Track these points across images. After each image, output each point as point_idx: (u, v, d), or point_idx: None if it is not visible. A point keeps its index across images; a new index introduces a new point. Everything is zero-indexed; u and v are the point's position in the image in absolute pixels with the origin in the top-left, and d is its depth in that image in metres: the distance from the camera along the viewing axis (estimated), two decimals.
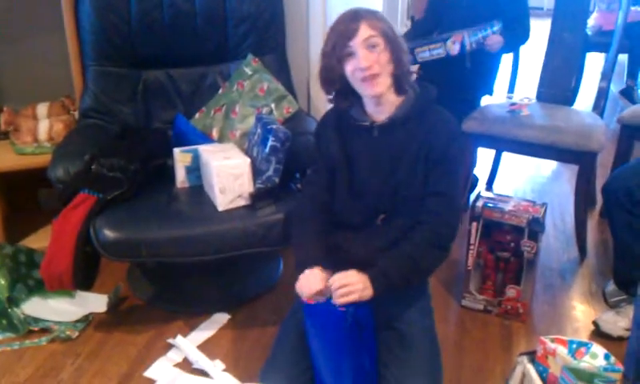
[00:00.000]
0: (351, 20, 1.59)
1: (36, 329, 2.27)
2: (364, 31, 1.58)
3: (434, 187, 1.66)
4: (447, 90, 2.96)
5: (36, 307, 2.36)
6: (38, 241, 2.69)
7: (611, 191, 2.24)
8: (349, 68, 1.62)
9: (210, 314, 2.36)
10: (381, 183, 1.72)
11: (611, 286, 2.42)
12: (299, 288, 1.63)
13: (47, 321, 2.30)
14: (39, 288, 2.40)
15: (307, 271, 1.64)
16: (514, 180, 3.63)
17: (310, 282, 1.61)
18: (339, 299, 1.52)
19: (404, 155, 1.68)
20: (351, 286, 1.54)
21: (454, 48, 2.62)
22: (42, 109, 2.70)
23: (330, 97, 1.77)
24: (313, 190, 1.84)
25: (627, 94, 4.59)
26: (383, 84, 1.63)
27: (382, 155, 1.71)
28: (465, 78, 2.92)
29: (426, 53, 2.73)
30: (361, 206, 1.74)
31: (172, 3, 2.49)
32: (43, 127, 2.62)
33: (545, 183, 3.64)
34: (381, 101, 1.68)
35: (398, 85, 1.67)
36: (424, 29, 2.97)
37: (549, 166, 3.84)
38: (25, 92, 2.85)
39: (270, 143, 2.07)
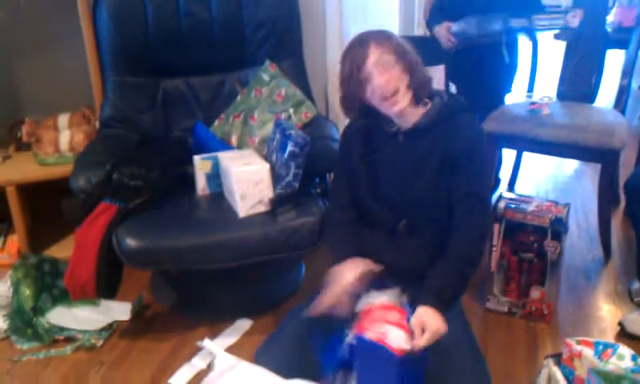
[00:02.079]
0: (360, 45, 1.61)
1: (61, 338, 2.29)
2: (374, 53, 1.59)
3: (464, 188, 1.66)
4: (479, 85, 2.96)
5: (61, 316, 2.38)
6: (62, 250, 2.72)
7: (633, 188, 2.21)
8: (368, 92, 1.63)
9: (233, 320, 2.36)
10: (403, 189, 1.72)
11: (637, 285, 2.39)
12: (330, 277, 1.65)
13: (72, 330, 2.32)
14: (64, 297, 2.42)
15: (343, 263, 1.67)
16: (536, 180, 3.59)
17: (345, 270, 1.64)
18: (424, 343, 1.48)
19: (428, 161, 1.69)
20: (436, 330, 1.49)
21: (573, 21, 2.55)
22: (63, 119, 2.73)
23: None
24: (337, 197, 1.87)
25: None
26: (404, 99, 1.63)
27: (406, 162, 1.72)
28: (499, 73, 2.92)
29: (546, 20, 2.62)
30: (383, 212, 1.75)
31: (189, 12, 2.51)
32: (64, 138, 2.65)
33: (567, 182, 3.60)
34: (404, 113, 1.68)
35: (417, 95, 1.67)
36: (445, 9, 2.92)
37: (571, 165, 3.80)
38: (45, 103, 2.89)
39: (288, 148, 2.07)
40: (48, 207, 3.02)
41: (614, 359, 1.46)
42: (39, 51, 2.89)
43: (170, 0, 2.50)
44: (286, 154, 2.08)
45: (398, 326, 1.47)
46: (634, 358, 1.46)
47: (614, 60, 4.53)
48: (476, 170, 1.69)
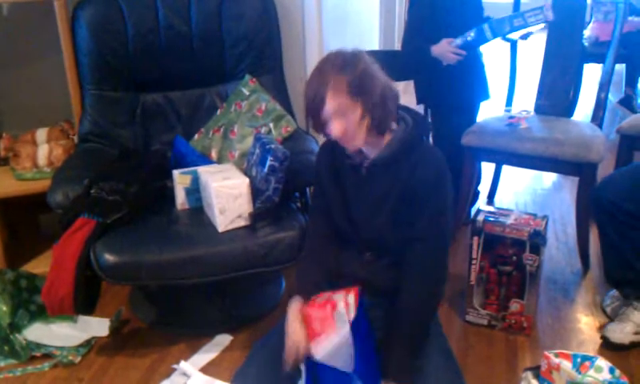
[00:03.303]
0: (318, 86, 1.52)
1: (38, 355, 2.26)
2: (330, 103, 1.51)
3: (421, 232, 1.63)
4: (455, 99, 2.97)
5: (38, 333, 2.35)
6: (39, 266, 2.68)
7: (598, 199, 2.26)
8: (327, 129, 1.59)
9: (212, 335, 2.35)
10: (366, 222, 1.71)
11: (608, 299, 2.44)
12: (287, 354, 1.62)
13: (49, 346, 2.29)
14: (41, 313, 2.40)
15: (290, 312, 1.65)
16: (515, 192, 3.62)
17: (291, 320, 1.63)
18: None
19: (388, 198, 1.65)
20: None
21: (549, 15, 2.50)
22: (42, 134, 2.70)
23: None
24: (316, 222, 1.85)
25: (626, 103, 4.59)
26: (359, 140, 1.58)
27: (368, 195, 1.68)
28: (475, 83, 2.98)
29: (523, 20, 2.59)
30: (353, 235, 1.74)
31: (168, 26, 2.50)
32: (42, 152, 2.63)
33: (546, 195, 3.63)
34: (365, 146, 1.65)
35: (378, 129, 1.60)
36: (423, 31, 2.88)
37: (549, 177, 3.83)
38: (24, 118, 2.86)
39: (268, 163, 2.07)
40: (25, 222, 2.98)
41: (591, 372, 1.47)
42: (18, 65, 2.87)
43: (150, 14, 2.50)
44: (265, 169, 2.07)
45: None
46: (611, 371, 1.47)
47: (591, 74, 4.61)
48: (435, 209, 1.64)
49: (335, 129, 1.54)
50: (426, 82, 3.01)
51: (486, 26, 2.62)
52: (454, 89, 2.87)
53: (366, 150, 1.67)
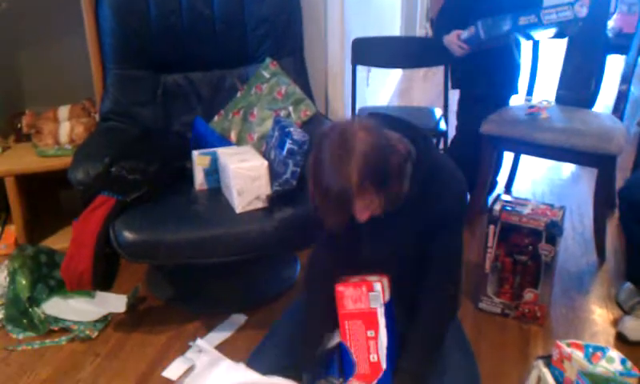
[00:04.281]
0: (342, 183, 1.40)
1: (56, 328, 2.31)
2: (358, 202, 1.44)
3: (439, 251, 1.66)
4: (486, 88, 2.94)
5: (56, 307, 2.39)
6: (59, 242, 2.73)
7: (627, 197, 2.24)
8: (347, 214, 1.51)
9: (227, 315, 2.38)
10: (385, 258, 1.73)
11: (623, 292, 2.42)
12: None
13: (67, 321, 2.33)
14: (60, 288, 2.44)
15: None
16: (533, 182, 3.61)
17: None
18: None
19: (409, 231, 1.65)
20: None
21: (581, 11, 2.44)
22: (63, 111, 2.74)
23: None
24: (320, 258, 1.85)
25: None
26: (381, 213, 1.53)
27: (381, 233, 1.67)
28: (506, 75, 2.94)
29: (553, 15, 2.51)
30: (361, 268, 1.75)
31: (191, 7, 2.51)
32: (64, 130, 2.66)
33: (563, 186, 3.61)
34: None
35: (402, 194, 1.54)
36: (452, 17, 2.86)
37: (567, 168, 3.81)
38: (46, 95, 2.90)
39: (287, 146, 2.08)
40: (46, 199, 3.03)
41: (603, 362, 1.47)
42: (41, 43, 2.90)
43: None
44: (284, 152, 2.09)
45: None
46: (623, 362, 1.48)
47: (614, 65, 4.56)
48: (455, 230, 1.68)
49: (361, 216, 1.50)
50: (459, 68, 3.01)
51: (479, 24, 2.58)
52: (486, 78, 2.87)
53: None
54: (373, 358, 1.65)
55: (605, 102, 4.19)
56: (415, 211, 1.60)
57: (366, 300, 1.64)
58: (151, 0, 2.49)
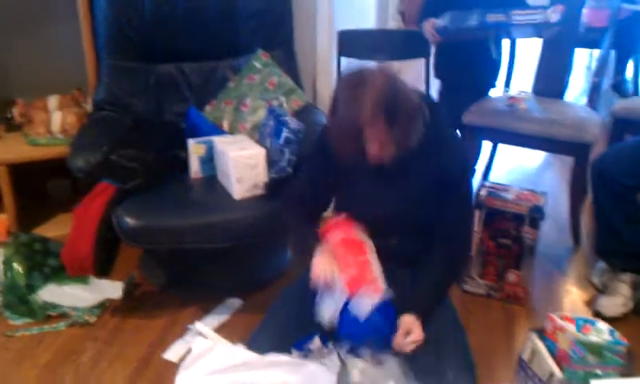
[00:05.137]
0: (355, 114, 1.53)
1: (54, 314, 2.33)
2: (369, 135, 1.55)
3: (451, 215, 1.73)
4: (465, 80, 3.03)
5: (52, 294, 2.41)
6: (49, 230, 2.76)
7: (599, 170, 2.36)
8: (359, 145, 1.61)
9: (222, 299, 2.43)
10: (392, 210, 1.77)
11: (596, 271, 2.56)
12: (316, 276, 1.68)
13: (64, 306, 2.36)
14: (55, 275, 2.47)
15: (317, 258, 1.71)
16: (507, 171, 3.73)
17: (325, 268, 1.68)
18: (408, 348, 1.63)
19: (415, 182, 1.73)
20: (419, 338, 1.63)
21: (552, 17, 2.49)
22: (53, 101, 2.76)
23: None
24: (303, 188, 1.92)
25: (618, 88, 4.73)
26: (391, 155, 1.62)
27: (389, 186, 1.75)
28: (485, 68, 3.02)
29: (523, 16, 2.56)
30: (371, 225, 1.78)
31: None
32: (56, 119, 2.69)
33: (535, 174, 3.76)
34: None
35: (412, 139, 1.63)
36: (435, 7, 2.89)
37: (539, 156, 3.95)
38: (34, 84, 2.90)
39: (284, 135, 2.15)
40: (35, 188, 3.04)
41: (593, 333, 1.59)
42: (30, 32, 2.90)
43: None
44: (281, 140, 2.16)
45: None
46: (611, 333, 1.59)
47: (580, 59, 4.72)
48: (464, 195, 1.77)
49: (373, 150, 1.58)
50: (440, 58, 3.10)
51: (448, 14, 2.65)
52: (464, 70, 2.96)
53: None
54: (369, 274, 1.66)
55: (572, 93, 4.36)
56: (424, 169, 1.70)
57: (353, 231, 1.69)
58: None
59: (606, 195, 2.32)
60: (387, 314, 1.62)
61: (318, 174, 1.87)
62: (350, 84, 1.57)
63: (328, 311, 1.66)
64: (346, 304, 1.62)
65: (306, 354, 1.76)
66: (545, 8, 2.52)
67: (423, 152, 1.67)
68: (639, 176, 2.22)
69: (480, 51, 2.89)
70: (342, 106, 1.57)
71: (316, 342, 1.75)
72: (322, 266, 1.67)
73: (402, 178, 1.74)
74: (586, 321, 1.64)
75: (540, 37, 2.84)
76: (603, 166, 2.33)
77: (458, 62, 3.00)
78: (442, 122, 1.76)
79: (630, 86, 4.74)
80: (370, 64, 1.67)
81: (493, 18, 2.58)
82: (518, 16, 2.55)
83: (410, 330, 1.62)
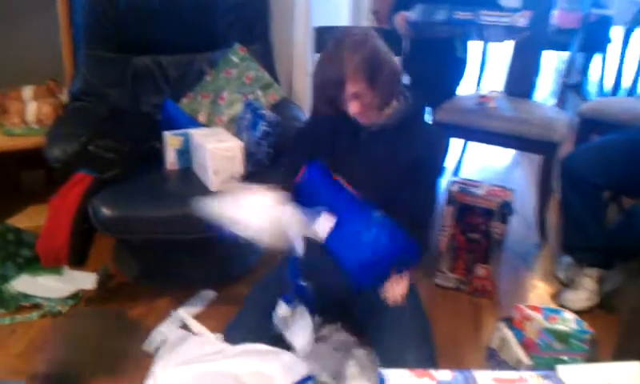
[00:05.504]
0: (337, 70, 1.65)
1: (27, 305, 2.33)
2: (350, 88, 1.66)
3: (415, 195, 1.82)
4: (432, 77, 3.08)
5: (25, 284, 2.40)
6: (22, 221, 2.73)
7: (569, 169, 2.43)
8: (341, 102, 1.72)
9: (195, 291, 2.44)
10: (362, 183, 1.84)
11: (561, 266, 2.64)
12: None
13: (37, 297, 2.35)
14: (28, 266, 2.46)
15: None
16: (477, 168, 3.81)
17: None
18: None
19: (389, 162, 1.81)
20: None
21: (520, 21, 2.54)
22: (28, 92, 2.74)
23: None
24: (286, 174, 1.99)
25: (578, 88, 4.87)
26: (372, 116, 1.75)
27: (367, 158, 1.82)
28: (449, 67, 3.07)
29: (490, 17, 2.60)
30: None
31: None
32: (31, 109, 2.67)
33: (504, 172, 3.84)
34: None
35: (384, 105, 1.77)
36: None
37: (508, 154, 4.04)
38: (9, 75, 2.88)
39: (261, 128, 2.18)
40: (8, 179, 3.02)
41: (560, 322, 1.65)
42: (6, 22, 2.87)
43: None
44: (258, 133, 2.19)
45: None
46: (577, 322, 1.66)
47: (548, 60, 4.83)
48: (433, 177, 1.85)
49: (353, 108, 1.69)
50: (411, 54, 3.14)
51: (418, 7, 2.68)
52: (433, 67, 3.01)
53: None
54: None
55: (540, 93, 4.45)
56: (396, 143, 1.79)
57: None
58: None
59: (574, 193, 2.39)
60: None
61: (299, 160, 1.92)
62: (335, 43, 1.68)
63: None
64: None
65: (282, 323, 1.81)
66: (513, 11, 2.58)
67: (402, 132, 1.77)
68: (608, 175, 2.29)
69: (446, 50, 2.93)
70: (325, 63, 1.68)
71: (282, 308, 1.79)
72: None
73: (380, 159, 1.81)
74: (552, 311, 1.70)
75: (508, 41, 2.88)
76: (573, 165, 2.41)
77: (426, 59, 3.04)
78: (421, 107, 1.87)
79: (592, 88, 4.87)
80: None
81: (461, 15, 2.62)
82: (486, 16, 2.59)
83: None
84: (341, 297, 1.82)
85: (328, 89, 1.69)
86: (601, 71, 4.91)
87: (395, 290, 1.64)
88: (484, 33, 2.75)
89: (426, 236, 1.90)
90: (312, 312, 1.82)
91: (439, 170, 1.88)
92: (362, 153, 1.82)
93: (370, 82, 1.66)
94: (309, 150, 1.92)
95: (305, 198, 1.77)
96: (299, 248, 1.75)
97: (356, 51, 1.64)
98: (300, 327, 1.79)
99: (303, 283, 1.80)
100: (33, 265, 2.44)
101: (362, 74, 1.65)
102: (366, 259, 1.66)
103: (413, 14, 2.74)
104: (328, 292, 1.78)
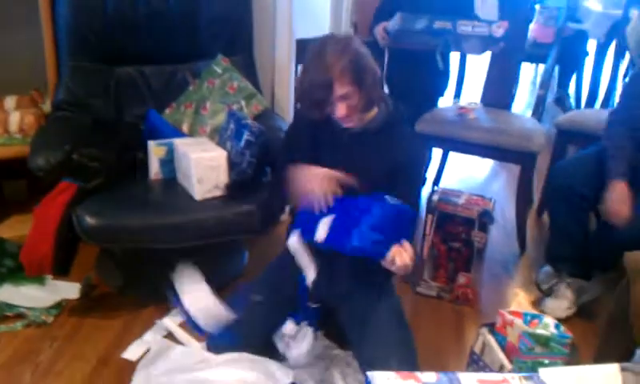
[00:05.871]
0: (325, 73, 1.69)
1: (10, 315, 2.31)
2: (338, 90, 1.70)
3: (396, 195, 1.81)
4: (414, 89, 3.11)
5: (9, 294, 2.39)
6: (4, 231, 2.72)
7: (556, 185, 2.49)
8: (326, 106, 1.76)
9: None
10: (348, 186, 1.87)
11: (542, 275, 2.66)
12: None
13: (21, 307, 2.34)
14: (11, 276, 2.45)
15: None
16: (457, 179, 3.86)
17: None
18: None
19: (370, 165, 1.84)
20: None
21: (497, 32, 2.58)
22: (11, 101, 2.74)
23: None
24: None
25: (560, 102, 4.96)
26: (355, 119, 1.80)
27: (346, 162, 1.83)
28: (431, 80, 3.10)
29: (468, 28, 2.64)
30: None
31: (147, 2, 2.59)
32: (14, 119, 2.67)
33: (483, 182, 3.89)
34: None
35: (367, 108, 1.81)
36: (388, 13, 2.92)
37: (487, 165, 4.10)
38: None
39: (245, 137, 2.20)
40: None
41: (540, 327, 1.69)
42: None
43: None
44: (242, 143, 2.21)
45: None
46: (557, 327, 1.70)
47: (525, 73, 4.92)
48: (410, 185, 1.88)
49: (341, 110, 1.73)
50: (392, 66, 3.18)
51: (397, 15, 2.71)
52: (415, 78, 3.05)
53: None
54: None
55: (517, 105, 4.53)
56: (377, 146, 1.83)
57: None
58: None
59: (561, 204, 2.44)
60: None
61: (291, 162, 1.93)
62: (319, 48, 1.73)
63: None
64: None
65: (285, 340, 1.86)
66: (490, 23, 2.62)
67: (383, 137, 1.82)
68: (595, 186, 2.34)
69: (428, 62, 2.94)
70: (312, 67, 1.72)
71: (289, 326, 1.85)
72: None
73: (361, 161, 1.84)
74: (533, 316, 1.74)
75: (484, 52, 2.92)
76: (561, 176, 2.47)
77: (407, 71, 3.08)
78: (402, 113, 1.90)
79: (572, 101, 4.96)
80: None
81: (440, 24, 2.65)
82: (464, 26, 2.63)
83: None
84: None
85: (316, 92, 1.72)
86: (577, 84, 5.01)
87: (403, 255, 1.63)
88: (463, 45, 2.79)
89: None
90: (316, 330, 1.89)
91: (420, 177, 1.92)
92: (344, 155, 1.86)
93: (357, 83, 1.71)
94: (292, 155, 1.95)
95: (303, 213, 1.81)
96: (310, 275, 1.81)
97: (342, 54, 1.69)
98: (299, 343, 1.84)
99: (313, 306, 1.86)
100: (16, 274, 2.44)
101: (349, 76, 1.69)
102: (366, 232, 1.65)
103: (392, 23, 2.77)
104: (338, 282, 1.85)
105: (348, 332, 1.91)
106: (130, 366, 2.08)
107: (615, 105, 2.75)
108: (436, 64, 2.83)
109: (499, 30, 2.59)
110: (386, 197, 1.69)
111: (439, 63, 2.83)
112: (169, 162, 2.41)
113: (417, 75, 3.05)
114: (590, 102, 4.73)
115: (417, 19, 2.69)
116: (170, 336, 2.26)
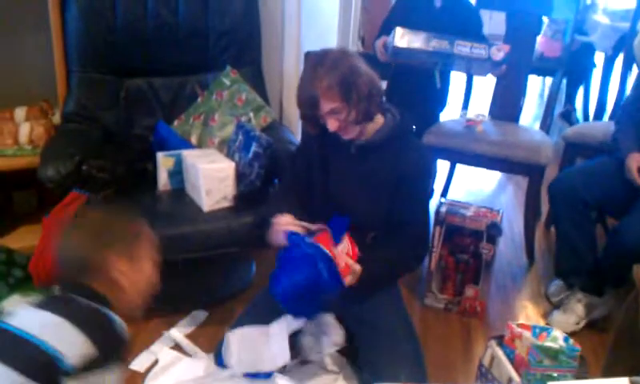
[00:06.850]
0: (312, 89, 1.74)
1: None
2: (325, 106, 1.74)
3: (404, 216, 1.86)
4: (413, 105, 3.09)
5: (17, 305, 2.41)
6: (13, 242, 2.71)
7: (557, 189, 2.50)
8: (319, 121, 1.81)
9: (186, 312, 2.45)
10: (351, 197, 1.90)
11: (552, 287, 2.66)
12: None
13: None
14: (19, 286, 2.46)
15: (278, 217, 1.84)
16: (465, 191, 3.85)
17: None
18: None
19: (376, 176, 1.86)
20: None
21: (497, 55, 2.53)
22: (20, 112, 2.75)
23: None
24: (286, 193, 2.06)
25: (566, 116, 4.94)
26: (353, 131, 1.81)
27: (354, 173, 1.88)
28: (430, 96, 3.10)
29: (467, 48, 2.55)
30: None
31: (157, 15, 2.61)
32: (24, 130, 2.68)
33: (491, 195, 3.88)
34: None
35: (364, 119, 1.81)
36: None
37: (495, 177, 4.09)
38: (1, 95, 2.88)
39: (253, 149, 2.21)
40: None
41: (549, 340, 1.68)
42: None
43: (140, 2, 2.60)
44: (250, 154, 2.22)
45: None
46: (565, 340, 1.69)
47: (533, 85, 4.91)
48: (418, 197, 1.90)
49: (331, 125, 1.77)
50: (393, 82, 3.18)
51: (395, 30, 2.62)
52: (414, 96, 3.02)
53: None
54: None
55: (525, 118, 4.52)
56: (384, 157, 1.85)
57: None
58: (119, 5, 2.57)
59: (565, 214, 2.45)
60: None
61: (299, 177, 2.01)
62: (313, 60, 1.76)
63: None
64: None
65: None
66: (489, 45, 2.54)
67: (391, 147, 1.83)
68: (596, 193, 2.37)
69: (427, 80, 2.90)
70: (302, 84, 1.77)
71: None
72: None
73: (363, 167, 1.87)
74: (542, 329, 1.73)
75: (486, 74, 2.83)
76: (563, 185, 2.47)
77: (407, 88, 3.06)
78: (409, 126, 1.93)
79: (579, 114, 4.95)
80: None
81: (436, 43, 2.56)
82: (462, 47, 2.54)
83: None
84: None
85: (305, 108, 1.78)
86: (584, 96, 5.01)
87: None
88: (461, 64, 2.74)
89: (423, 249, 1.98)
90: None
91: (428, 188, 1.93)
92: (353, 166, 1.88)
93: (345, 98, 1.72)
94: (304, 168, 1.98)
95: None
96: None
97: (331, 70, 1.71)
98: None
99: None
100: (24, 285, 2.44)
101: (335, 91, 1.71)
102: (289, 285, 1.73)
103: (390, 38, 2.73)
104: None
105: (357, 337, 1.91)
106: (138, 377, 2.08)
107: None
108: (433, 83, 2.82)
109: (499, 54, 2.53)
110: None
111: (437, 82, 2.81)
112: (177, 173, 2.42)
113: (414, 92, 3.03)
114: (598, 114, 4.72)
115: (415, 35, 2.61)
116: (177, 347, 2.26)
